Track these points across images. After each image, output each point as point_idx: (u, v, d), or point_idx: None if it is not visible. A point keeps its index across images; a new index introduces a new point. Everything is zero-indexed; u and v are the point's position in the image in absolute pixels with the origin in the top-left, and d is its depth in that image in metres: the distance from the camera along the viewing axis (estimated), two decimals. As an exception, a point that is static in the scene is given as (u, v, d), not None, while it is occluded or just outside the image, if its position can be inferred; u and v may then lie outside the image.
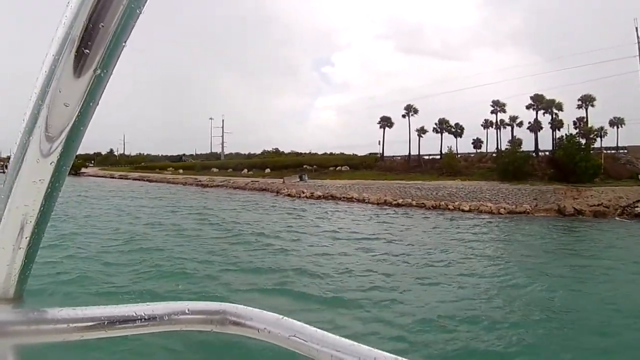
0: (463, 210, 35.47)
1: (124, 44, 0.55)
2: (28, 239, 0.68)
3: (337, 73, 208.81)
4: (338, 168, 67.09)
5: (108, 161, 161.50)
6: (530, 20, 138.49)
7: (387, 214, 31.74)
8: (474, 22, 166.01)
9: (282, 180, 58.56)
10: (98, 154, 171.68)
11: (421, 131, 64.83)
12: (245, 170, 76.97)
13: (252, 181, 60.79)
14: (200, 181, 66.40)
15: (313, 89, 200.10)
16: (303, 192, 45.16)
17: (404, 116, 66.83)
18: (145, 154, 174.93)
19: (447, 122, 64.72)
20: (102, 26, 0.51)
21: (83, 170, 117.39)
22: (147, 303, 0.85)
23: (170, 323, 0.86)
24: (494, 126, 64.32)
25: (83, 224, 21.89)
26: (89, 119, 0.58)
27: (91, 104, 0.57)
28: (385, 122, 68.28)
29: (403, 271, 13.50)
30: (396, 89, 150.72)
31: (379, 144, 70.01)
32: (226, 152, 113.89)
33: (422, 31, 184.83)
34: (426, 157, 64.86)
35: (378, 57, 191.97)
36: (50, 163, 0.59)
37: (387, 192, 42.89)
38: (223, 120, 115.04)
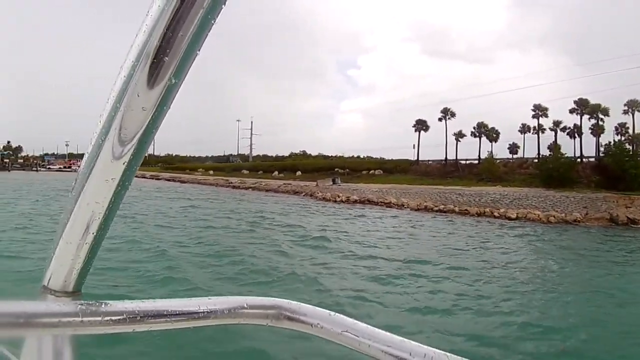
0: (509, 218, 33.80)
1: (197, 52, 0.57)
2: (94, 235, 0.71)
3: (363, 76, 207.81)
4: (371, 172, 65.82)
5: (144, 161, 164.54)
6: (560, 21, 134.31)
7: (434, 219, 30.42)
8: (500, 24, 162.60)
9: (315, 183, 57.74)
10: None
11: (459, 135, 63.01)
12: (276, 173, 76.50)
13: (284, 184, 60.11)
14: (231, 183, 66.23)
15: (338, 92, 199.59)
16: (338, 196, 44.07)
17: (440, 119, 65.22)
18: (174, 154, 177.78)
19: (486, 126, 62.72)
20: (180, 35, 0.53)
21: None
22: (209, 297, 0.88)
23: (230, 317, 0.89)
24: (531, 131, 62.24)
25: (157, 223, 21.63)
26: (160, 123, 0.61)
27: (164, 108, 0.59)
28: (421, 126, 66.76)
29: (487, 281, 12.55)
30: (422, 92, 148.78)
31: (414, 147, 68.57)
32: (254, 154, 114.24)
33: (448, 34, 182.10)
34: (462, 162, 62.92)
35: (404, 60, 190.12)
36: (123, 163, 0.62)
37: (427, 197, 41.44)
38: (252, 122, 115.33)
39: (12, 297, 0.69)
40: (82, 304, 0.74)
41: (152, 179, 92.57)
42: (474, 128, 63.25)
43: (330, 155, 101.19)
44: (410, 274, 12.82)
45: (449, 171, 59.81)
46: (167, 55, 0.54)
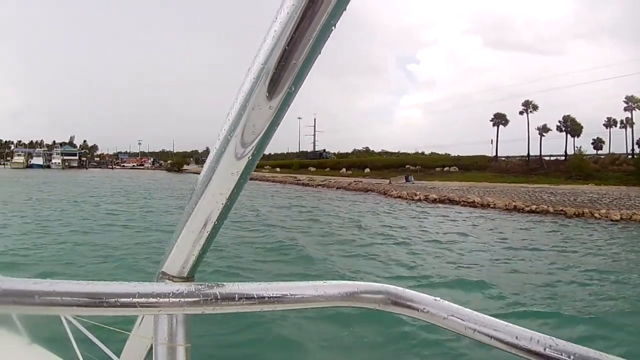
0: (613, 220, 30.14)
1: (318, 54, 0.61)
2: (214, 224, 0.78)
3: (423, 71, 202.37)
4: (446, 169, 62.66)
5: (204, 159, 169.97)
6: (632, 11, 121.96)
7: (533, 222, 27.45)
8: (567, 12, 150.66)
9: (387, 180, 55.82)
10: (195, 152, 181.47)
11: (543, 129, 58.32)
12: (344, 170, 75.14)
13: (354, 181, 58.53)
14: (299, 180, 65.61)
15: (398, 88, 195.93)
16: (415, 195, 41.77)
17: (521, 113, 60.71)
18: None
19: (573, 119, 57.62)
20: (305, 39, 0.57)
21: (185, 167, 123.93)
22: (324, 281, 0.94)
23: (343, 300, 0.94)
24: (617, 125, 56.56)
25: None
26: (278, 125, 0.67)
27: (283, 112, 0.65)
28: (500, 120, 62.66)
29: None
30: (486, 86, 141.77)
31: (491, 143, 64.54)
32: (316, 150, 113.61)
33: (512, 24, 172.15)
34: (547, 158, 58.22)
35: (465, 53, 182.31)
36: (245, 159, 0.68)
37: (514, 196, 38.22)
38: (315, 119, 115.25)
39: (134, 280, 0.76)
40: (200, 285, 0.80)
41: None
42: (560, 122, 58.32)
43: (393, 151, 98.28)
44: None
45: (532, 168, 55.46)
46: (289, 63, 0.59)
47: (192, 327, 0.87)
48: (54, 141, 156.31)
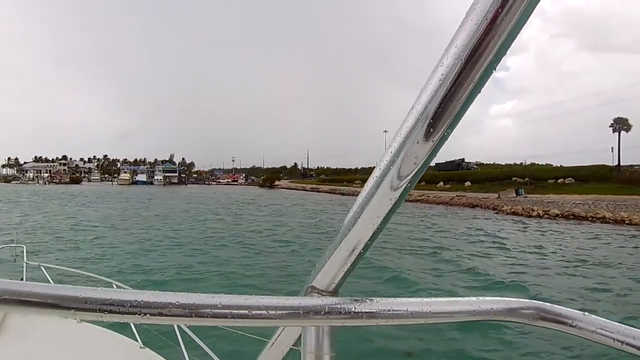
0: None
1: (477, 95, 0.66)
2: (366, 244, 0.83)
3: (513, 78, 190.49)
4: (560, 180, 57.29)
5: (293, 174, 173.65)
6: None
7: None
8: None
9: (491, 194, 52.32)
10: (284, 168, 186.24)
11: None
12: (441, 183, 71.84)
13: (457, 196, 55.53)
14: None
15: (487, 97, 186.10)
16: (532, 210, 38.30)
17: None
18: (325, 167, 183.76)
19: None
20: (467, 83, 0.64)
21: (277, 182, 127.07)
22: (477, 297, 0.96)
23: (496, 315, 0.96)
24: None
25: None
26: (434, 158, 0.72)
27: (441, 145, 0.70)
28: (621, 125, 56.23)
29: None
30: (585, 90, 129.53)
31: (612, 150, 58.10)
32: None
33: (608, 25, 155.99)
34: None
35: (558, 58, 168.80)
36: (402, 187, 0.74)
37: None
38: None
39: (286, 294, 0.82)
40: (348, 299, 0.85)
41: (313, 191, 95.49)
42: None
43: (488, 163, 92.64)
44: None
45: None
46: (450, 105, 0.64)
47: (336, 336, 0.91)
48: (155, 159, 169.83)
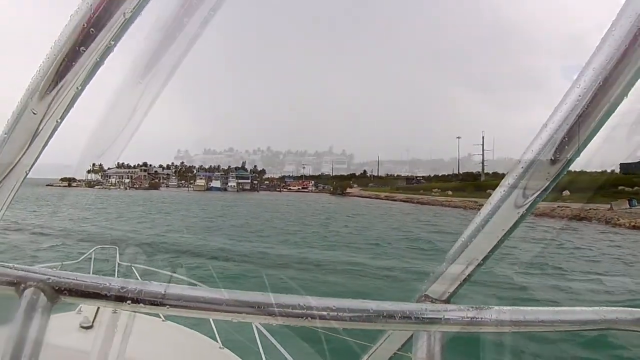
0: None
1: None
2: (484, 256, 0.84)
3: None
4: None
5: (362, 182, 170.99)
6: None
7: None
8: None
9: (594, 205, 46.67)
10: (353, 175, 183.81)
11: None
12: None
13: (558, 207, 50.18)
14: (481, 205, 58.91)
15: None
16: (663, 225, 33.09)
17: None
18: (395, 175, 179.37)
19: None
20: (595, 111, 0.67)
21: (348, 190, 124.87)
22: (599, 307, 0.96)
23: (617, 324, 0.95)
24: None
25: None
26: (563, 174, 0.77)
27: (569, 162, 0.75)
28: None
29: None
30: None
31: None
32: (481, 170, 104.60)
33: None
34: None
35: None
36: (531, 201, 0.77)
37: None
38: (483, 137, 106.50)
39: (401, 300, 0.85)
40: (461, 307, 0.86)
41: (388, 200, 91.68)
42: None
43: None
44: None
45: None
46: (579, 131, 0.69)
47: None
48: (229, 166, 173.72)
